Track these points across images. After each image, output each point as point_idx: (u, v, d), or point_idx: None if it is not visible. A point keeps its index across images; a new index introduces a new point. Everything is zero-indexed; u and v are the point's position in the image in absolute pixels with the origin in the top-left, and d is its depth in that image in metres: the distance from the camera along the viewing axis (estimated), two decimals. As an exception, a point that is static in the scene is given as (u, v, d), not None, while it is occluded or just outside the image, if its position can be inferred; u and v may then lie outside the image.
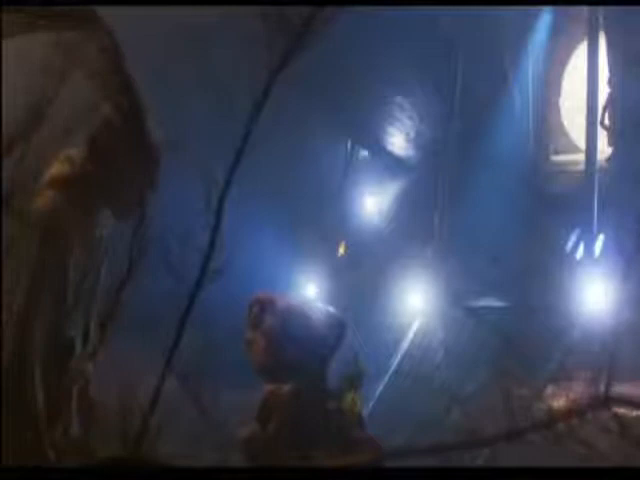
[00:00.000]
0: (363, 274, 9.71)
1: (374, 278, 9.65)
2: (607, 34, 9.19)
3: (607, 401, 1.80)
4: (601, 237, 9.02)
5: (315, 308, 3.93)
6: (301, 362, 3.80)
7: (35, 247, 3.34)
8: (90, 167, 3.49)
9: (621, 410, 1.88)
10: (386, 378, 9.19)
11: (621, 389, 1.92)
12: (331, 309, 3.97)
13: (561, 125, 10.32)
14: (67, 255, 3.38)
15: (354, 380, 3.94)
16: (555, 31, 10.10)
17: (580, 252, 9.30)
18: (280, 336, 3.75)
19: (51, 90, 2.96)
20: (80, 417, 3.42)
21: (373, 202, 10.33)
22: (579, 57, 9.87)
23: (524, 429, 1.79)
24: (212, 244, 2.38)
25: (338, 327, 3.91)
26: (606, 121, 9.28)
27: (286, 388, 3.90)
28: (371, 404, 8.60)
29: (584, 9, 9.31)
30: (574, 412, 1.79)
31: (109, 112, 3.46)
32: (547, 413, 1.86)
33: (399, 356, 9.41)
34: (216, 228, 2.29)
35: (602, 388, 1.84)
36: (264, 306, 3.81)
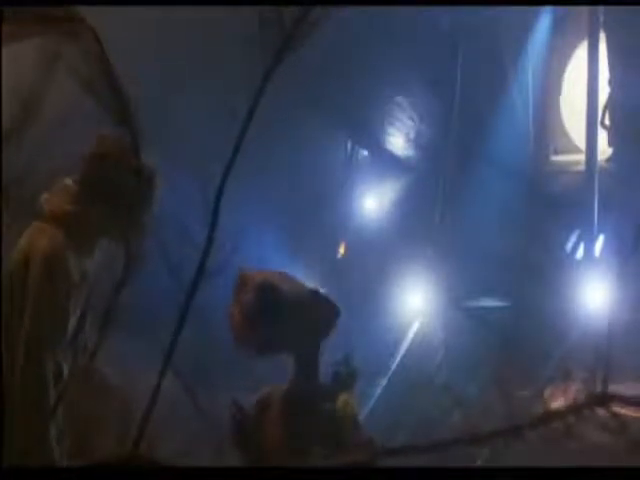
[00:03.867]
0: (363, 274, 9.71)
1: (374, 278, 9.65)
2: (607, 34, 9.18)
3: (605, 398, 1.79)
4: (601, 237, 9.01)
5: (304, 289, 3.84)
6: (281, 340, 3.74)
7: (37, 285, 3.34)
8: (88, 199, 3.48)
9: (619, 408, 1.87)
10: (386, 378, 9.19)
11: (619, 388, 1.91)
12: (326, 295, 3.88)
13: (561, 125, 10.31)
14: (69, 292, 3.39)
15: (346, 380, 3.90)
16: (555, 31, 10.10)
17: (580, 252, 9.29)
18: (255, 310, 3.69)
19: (39, 92, 2.97)
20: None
21: (373, 202, 10.33)
22: (579, 57, 9.86)
23: (522, 426, 1.79)
24: (210, 242, 2.37)
25: (329, 312, 3.83)
26: (606, 121, 9.27)
27: (280, 388, 3.87)
28: (371, 404, 8.60)
29: (584, 9, 9.31)
30: (572, 409, 1.78)
31: (105, 136, 3.46)
32: (545, 410, 1.86)
33: (399, 356, 9.41)
34: (213, 226, 2.28)
35: (600, 386, 1.83)
36: (244, 280, 3.76)
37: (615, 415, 1.83)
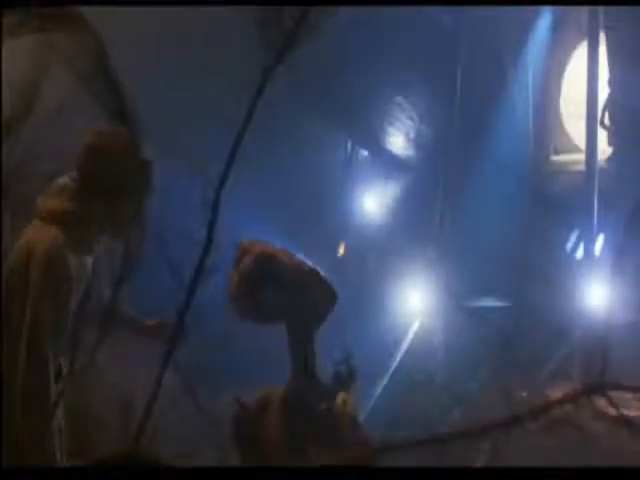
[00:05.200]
0: (363, 274, 9.71)
1: (374, 278, 9.65)
2: (607, 34, 9.18)
3: (603, 386, 1.80)
4: (601, 237, 9.01)
5: (304, 266, 3.82)
6: (277, 311, 3.74)
7: (38, 283, 3.34)
8: (87, 196, 3.49)
9: (616, 395, 1.88)
10: (386, 378, 9.19)
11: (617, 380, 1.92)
12: (325, 277, 3.86)
13: (561, 125, 10.31)
14: (70, 289, 3.39)
15: (346, 380, 3.90)
16: (555, 31, 10.09)
17: (580, 252, 9.29)
18: (252, 276, 3.69)
19: (35, 89, 2.97)
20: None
21: (373, 202, 10.33)
22: (579, 57, 9.86)
23: (521, 417, 1.80)
24: (209, 241, 2.37)
25: (327, 295, 3.82)
26: (606, 121, 9.27)
27: (280, 388, 3.88)
28: (371, 404, 8.60)
29: (584, 9, 9.31)
30: (569, 397, 1.79)
31: (97, 131, 3.47)
32: (543, 401, 1.87)
33: (399, 356, 9.41)
34: (212, 225, 2.29)
35: (597, 375, 1.85)
36: (245, 249, 3.76)
37: (613, 403, 1.84)
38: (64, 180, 3.54)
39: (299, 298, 3.71)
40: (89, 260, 3.48)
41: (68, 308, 3.38)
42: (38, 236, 3.40)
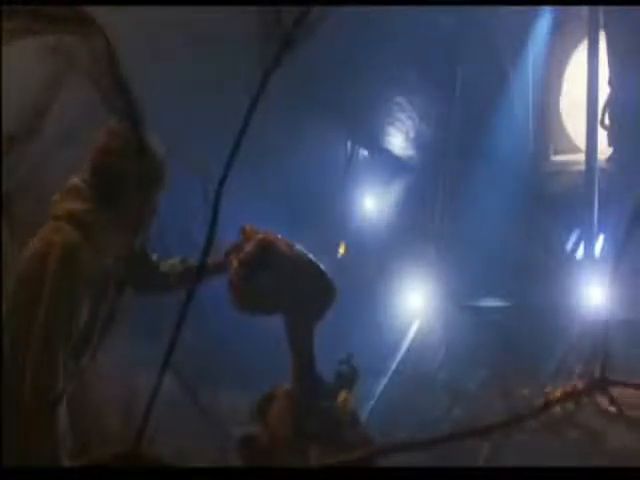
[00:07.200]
0: (363, 274, 9.72)
1: (374, 278, 9.65)
2: (607, 34, 9.19)
3: (603, 383, 1.81)
4: (601, 237, 9.02)
5: (305, 257, 3.80)
6: (276, 301, 3.73)
7: (53, 280, 3.33)
8: (100, 196, 3.49)
9: (617, 392, 1.89)
10: (386, 378, 9.20)
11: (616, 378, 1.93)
12: (325, 272, 3.84)
13: (561, 125, 10.32)
14: (85, 288, 3.39)
15: (348, 379, 3.91)
16: (555, 31, 10.10)
17: (580, 252, 9.30)
18: (251, 261, 3.68)
19: (47, 95, 2.97)
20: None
21: (373, 202, 10.33)
22: (579, 57, 9.87)
23: (522, 416, 1.80)
24: (209, 242, 2.38)
25: (326, 290, 3.81)
26: (606, 121, 9.28)
27: (282, 387, 3.88)
28: (371, 404, 8.61)
29: (584, 9, 9.32)
30: (570, 395, 1.80)
31: (108, 129, 3.47)
32: (544, 399, 1.87)
33: (399, 356, 9.42)
34: (213, 226, 2.29)
35: (597, 372, 1.85)
36: (247, 235, 3.76)
37: (613, 400, 1.85)
38: (76, 181, 3.54)
39: (298, 288, 3.70)
40: (103, 261, 3.47)
41: (81, 309, 3.37)
42: (55, 234, 3.40)
